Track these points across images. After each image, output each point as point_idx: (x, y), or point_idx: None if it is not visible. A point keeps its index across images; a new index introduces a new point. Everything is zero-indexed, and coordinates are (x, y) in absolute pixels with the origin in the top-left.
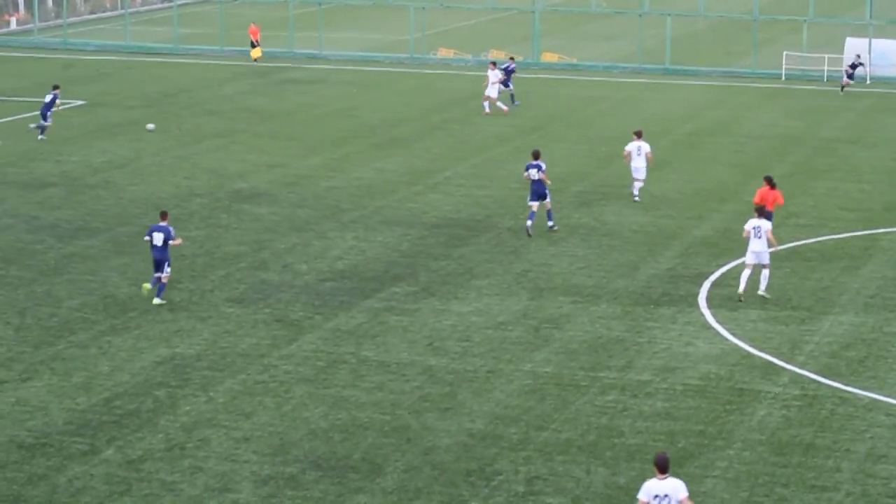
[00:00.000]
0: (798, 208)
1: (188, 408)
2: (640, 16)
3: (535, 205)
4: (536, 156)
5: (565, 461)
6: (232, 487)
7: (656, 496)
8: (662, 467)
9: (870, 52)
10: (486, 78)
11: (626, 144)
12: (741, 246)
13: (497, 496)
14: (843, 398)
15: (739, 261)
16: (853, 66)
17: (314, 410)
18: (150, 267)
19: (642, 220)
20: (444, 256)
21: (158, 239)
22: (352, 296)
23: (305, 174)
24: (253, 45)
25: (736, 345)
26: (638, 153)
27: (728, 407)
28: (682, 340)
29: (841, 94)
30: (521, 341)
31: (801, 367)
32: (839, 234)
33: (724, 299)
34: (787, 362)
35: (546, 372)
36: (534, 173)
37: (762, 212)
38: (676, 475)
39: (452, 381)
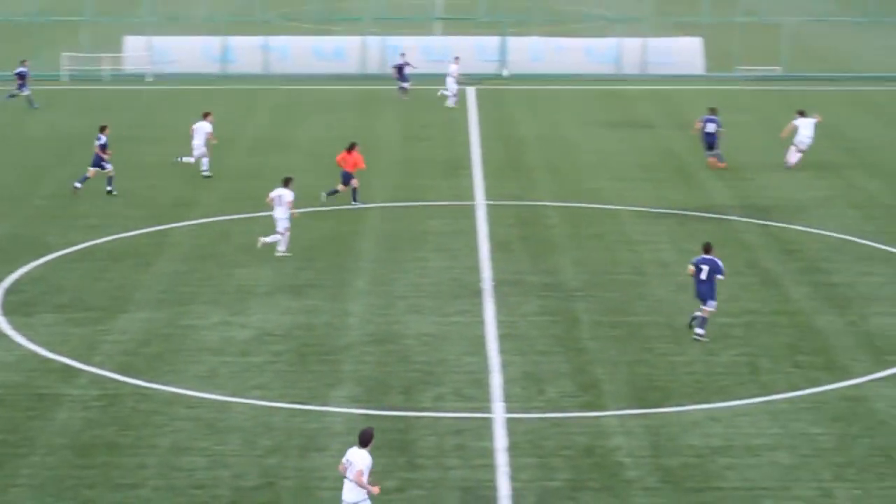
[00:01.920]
0: (87, 209)
1: None
2: None
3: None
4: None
5: None
6: None
7: (346, 459)
8: (363, 441)
9: (150, 51)
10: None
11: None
12: (31, 251)
13: None
14: (144, 395)
15: (30, 266)
16: (400, 67)
17: None
18: None
19: None
20: None
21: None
22: None
23: None
24: None
25: (32, 350)
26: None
27: (29, 413)
28: None
29: (405, 98)
30: None
31: (100, 367)
32: (128, 231)
33: (19, 305)
34: (85, 363)
35: None
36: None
37: (288, 182)
38: None
39: None
